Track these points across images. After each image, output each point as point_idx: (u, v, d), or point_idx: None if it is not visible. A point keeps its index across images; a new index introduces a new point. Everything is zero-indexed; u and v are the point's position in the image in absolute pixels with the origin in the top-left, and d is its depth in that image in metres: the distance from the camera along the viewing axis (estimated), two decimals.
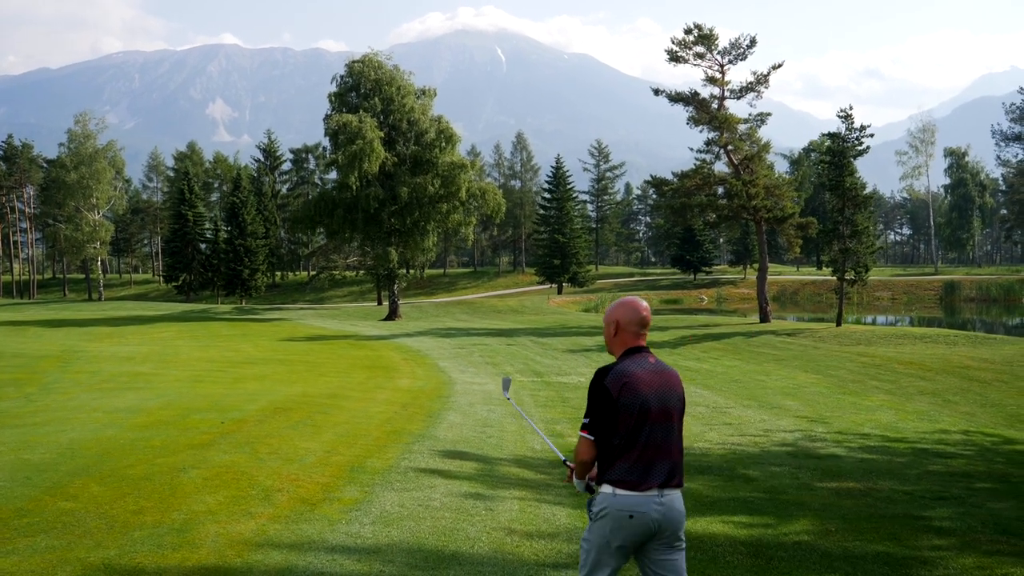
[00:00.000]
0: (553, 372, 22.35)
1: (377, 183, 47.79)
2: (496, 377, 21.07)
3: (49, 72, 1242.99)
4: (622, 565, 3.95)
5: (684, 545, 4.00)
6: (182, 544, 5.65)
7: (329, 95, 51.43)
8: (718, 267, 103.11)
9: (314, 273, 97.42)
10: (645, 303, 4.21)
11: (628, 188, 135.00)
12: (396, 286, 51.18)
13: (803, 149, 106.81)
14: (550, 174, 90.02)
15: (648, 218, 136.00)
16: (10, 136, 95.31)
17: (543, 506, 7.10)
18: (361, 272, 79.19)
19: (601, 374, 3.98)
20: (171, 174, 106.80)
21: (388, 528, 6.18)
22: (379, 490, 7.43)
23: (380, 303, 67.70)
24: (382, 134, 47.72)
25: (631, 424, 3.86)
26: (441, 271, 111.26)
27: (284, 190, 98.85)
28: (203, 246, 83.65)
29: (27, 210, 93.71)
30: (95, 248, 75.41)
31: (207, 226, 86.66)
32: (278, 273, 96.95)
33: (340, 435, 10.53)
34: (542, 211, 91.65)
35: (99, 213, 76.11)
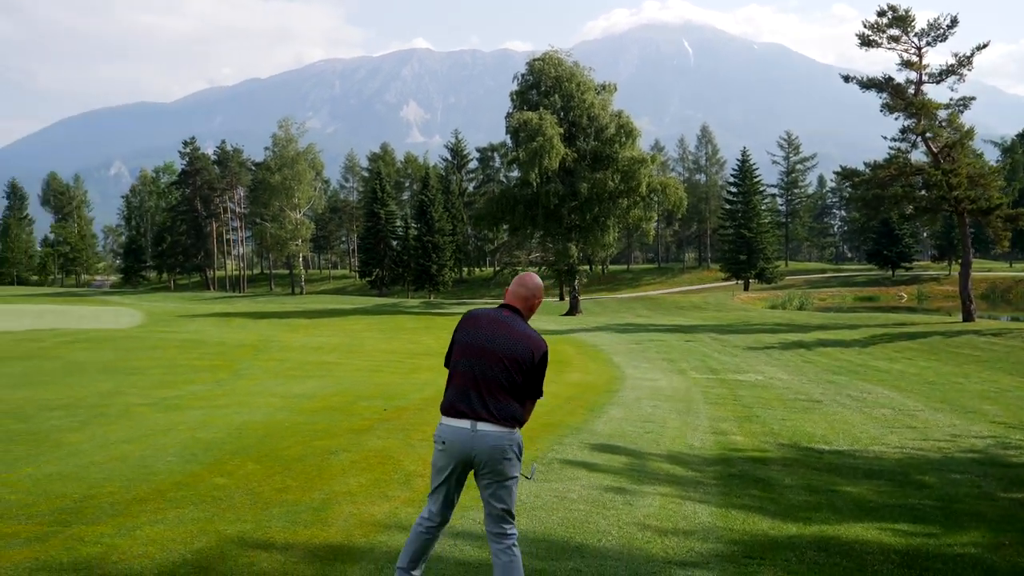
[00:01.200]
0: (729, 370, 21.66)
1: (557, 179, 48.03)
2: (670, 373, 20.65)
3: (259, 82, 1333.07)
4: (452, 488, 4.43)
5: (510, 482, 4.36)
6: (314, 522, 5.81)
7: (511, 93, 52.20)
8: (919, 263, 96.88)
9: (498, 269, 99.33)
10: (534, 281, 4.59)
11: (821, 181, 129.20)
12: (576, 281, 51.32)
13: (1017, 135, 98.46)
14: (736, 167, 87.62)
15: (843, 212, 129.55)
16: (223, 142, 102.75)
17: (686, 503, 6.81)
18: (543, 268, 79.97)
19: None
20: (365, 175, 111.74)
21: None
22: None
23: (562, 298, 67.99)
24: (562, 130, 47.93)
25: (458, 356, 4.40)
26: (624, 267, 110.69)
27: (471, 188, 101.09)
28: (394, 243, 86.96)
29: (238, 210, 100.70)
30: (297, 245, 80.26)
31: (398, 224, 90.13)
32: (465, 268, 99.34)
33: None
34: (728, 205, 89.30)
35: (300, 212, 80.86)
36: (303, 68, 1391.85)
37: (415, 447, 8.60)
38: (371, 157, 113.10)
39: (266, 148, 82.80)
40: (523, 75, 51.89)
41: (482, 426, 4.24)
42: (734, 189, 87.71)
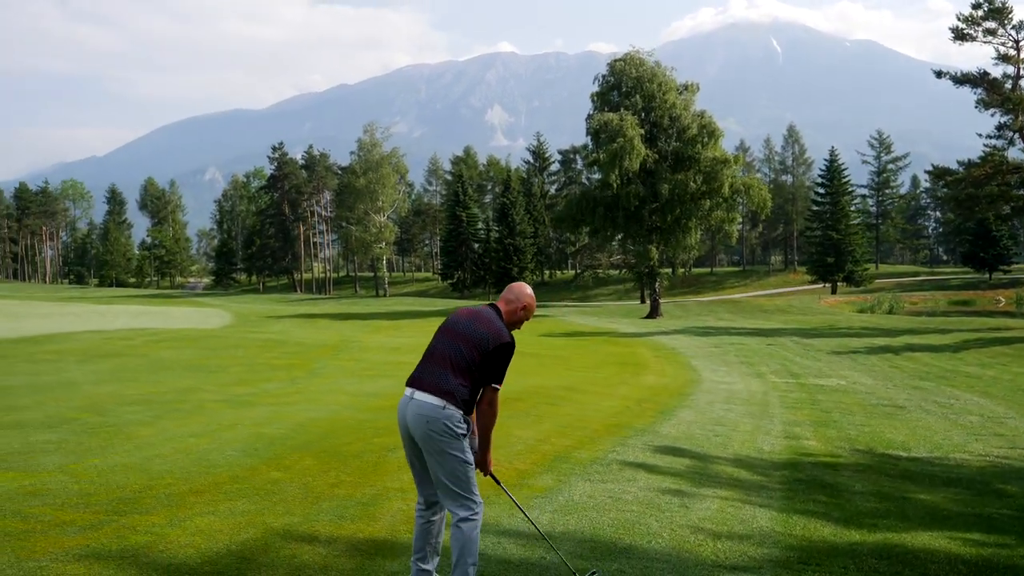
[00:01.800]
0: (811, 374, 21.07)
1: (638, 180, 47.59)
2: (748, 377, 20.19)
3: (347, 88, 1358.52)
4: (415, 464, 4.54)
5: (447, 460, 4.30)
6: (362, 516, 5.82)
7: (591, 95, 51.97)
8: (1018, 265, 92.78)
9: (579, 271, 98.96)
10: (522, 290, 4.73)
11: (915, 181, 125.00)
12: (658, 284, 50.75)
13: None
14: (824, 168, 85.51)
15: (938, 213, 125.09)
16: (310, 147, 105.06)
17: (745, 507, 6.60)
18: (624, 271, 79.38)
19: None
20: (448, 178, 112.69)
21: (567, 517, 5.99)
22: (574, 480, 7.26)
23: (643, 301, 67.40)
24: (643, 131, 47.48)
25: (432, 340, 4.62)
26: (708, 270, 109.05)
27: (552, 190, 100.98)
28: (476, 245, 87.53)
29: (324, 213, 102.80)
30: (381, 248, 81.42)
31: (480, 226, 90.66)
32: (546, 271, 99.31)
33: (559, 426, 10.48)
34: (815, 207, 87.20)
35: (384, 215, 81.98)
36: (390, 73, 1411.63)
37: None
38: (453, 160, 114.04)
39: (352, 152, 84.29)
40: (604, 76, 51.59)
41: (418, 395, 4.37)
42: (822, 190, 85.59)
